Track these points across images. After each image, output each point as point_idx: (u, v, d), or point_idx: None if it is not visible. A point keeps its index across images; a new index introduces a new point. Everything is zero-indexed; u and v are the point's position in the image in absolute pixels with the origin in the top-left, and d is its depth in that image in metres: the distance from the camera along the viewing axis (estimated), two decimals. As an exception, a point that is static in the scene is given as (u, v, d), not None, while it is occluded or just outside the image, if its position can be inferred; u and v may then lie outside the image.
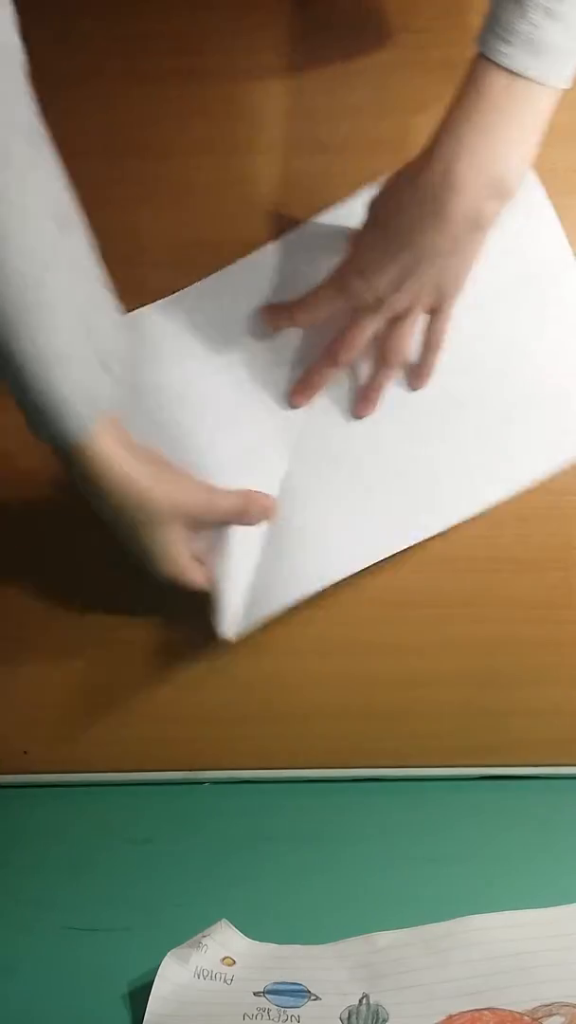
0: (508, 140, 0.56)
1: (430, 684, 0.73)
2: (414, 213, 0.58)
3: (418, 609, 0.71)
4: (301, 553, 0.69)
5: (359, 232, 0.63)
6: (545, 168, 0.68)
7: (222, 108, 0.69)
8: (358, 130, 0.68)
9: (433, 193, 0.57)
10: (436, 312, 0.65)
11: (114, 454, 0.57)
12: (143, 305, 0.69)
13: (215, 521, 0.66)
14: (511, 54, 0.54)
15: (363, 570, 0.70)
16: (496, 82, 0.55)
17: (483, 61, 0.55)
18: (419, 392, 0.69)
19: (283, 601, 0.69)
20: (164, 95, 0.69)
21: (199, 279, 0.69)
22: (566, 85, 0.55)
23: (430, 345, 0.67)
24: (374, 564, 0.69)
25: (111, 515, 0.61)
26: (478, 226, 0.58)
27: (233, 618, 0.68)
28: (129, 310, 0.69)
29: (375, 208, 0.62)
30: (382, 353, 0.67)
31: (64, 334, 0.53)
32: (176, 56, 0.68)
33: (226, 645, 0.72)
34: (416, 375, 0.68)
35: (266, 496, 0.68)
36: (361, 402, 0.69)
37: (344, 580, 0.71)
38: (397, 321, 0.64)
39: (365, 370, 0.69)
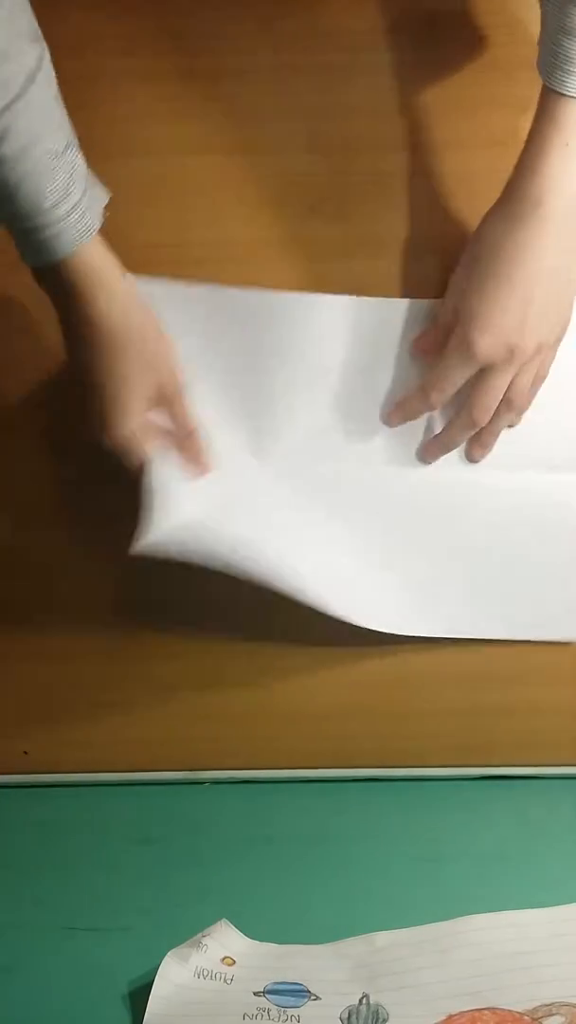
0: None
1: (430, 684, 0.73)
2: (512, 246, 0.59)
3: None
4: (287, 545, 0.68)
5: (461, 295, 0.62)
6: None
7: (221, 108, 0.69)
8: (358, 130, 0.68)
9: (528, 225, 0.58)
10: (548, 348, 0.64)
11: (114, 264, 0.59)
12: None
13: (168, 411, 0.65)
14: None
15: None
16: (571, 110, 0.56)
17: (554, 95, 0.56)
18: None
19: (222, 557, 0.65)
20: (163, 95, 0.69)
21: (199, 279, 0.69)
22: None
23: (536, 379, 0.66)
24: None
25: (94, 339, 0.60)
26: (574, 244, 0.60)
27: (152, 531, 0.64)
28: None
29: (472, 263, 0.62)
30: (507, 399, 0.65)
31: (53, 143, 0.54)
32: (175, 56, 0.68)
33: (226, 645, 0.72)
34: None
35: (204, 460, 0.67)
36: (479, 447, 0.68)
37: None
38: (524, 366, 0.63)
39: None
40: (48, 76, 0.55)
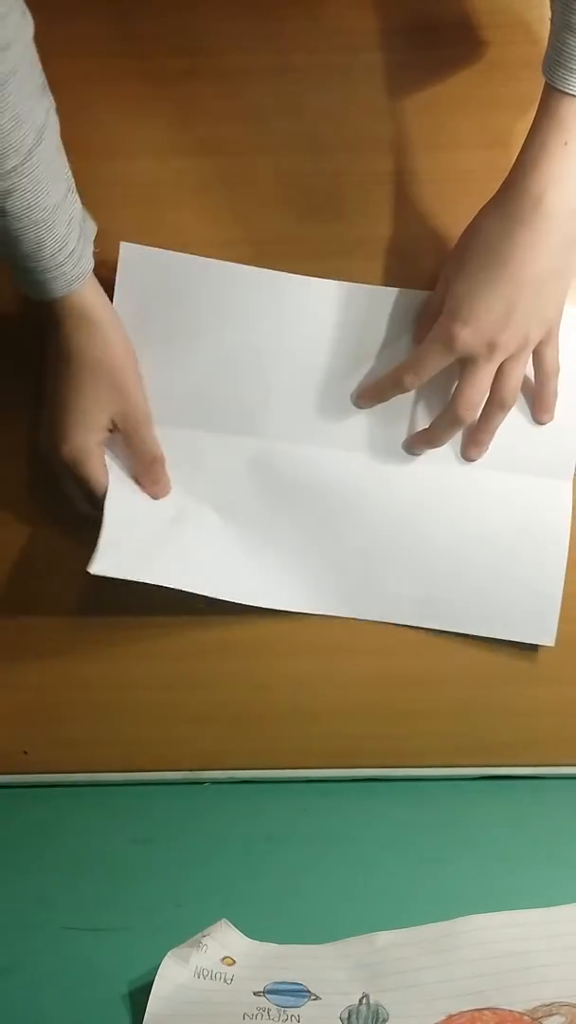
0: None
1: (430, 684, 0.73)
2: (508, 245, 0.59)
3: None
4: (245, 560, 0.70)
5: (449, 285, 0.63)
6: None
7: (222, 108, 0.69)
8: (358, 130, 0.68)
9: (526, 222, 0.58)
10: (544, 342, 0.64)
11: (101, 301, 0.62)
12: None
13: (132, 441, 0.67)
14: None
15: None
16: (573, 109, 0.56)
17: (556, 93, 0.56)
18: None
19: (179, 580, 0.67)
20: (163, 95, 0.69)
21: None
22: None
23: (547, 374, 0.66)
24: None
25: (71, 364, 0.63)
26: (571, 245, 0.60)
27: (108, 553, 0.65)
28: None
29: (464, 255, 0.62)
30: (497, 396, 0.65)
31: (55, 194, 0.56)
32: (176, 56, 0.68)
33: (227, 645, 0.72)
34: (540, 409, 0.68)
35: (165, 486, 0.69)
36: (473, 445, 0.69)
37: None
38: (509, 361, 0.63)
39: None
40: (54, 127, 0.57)
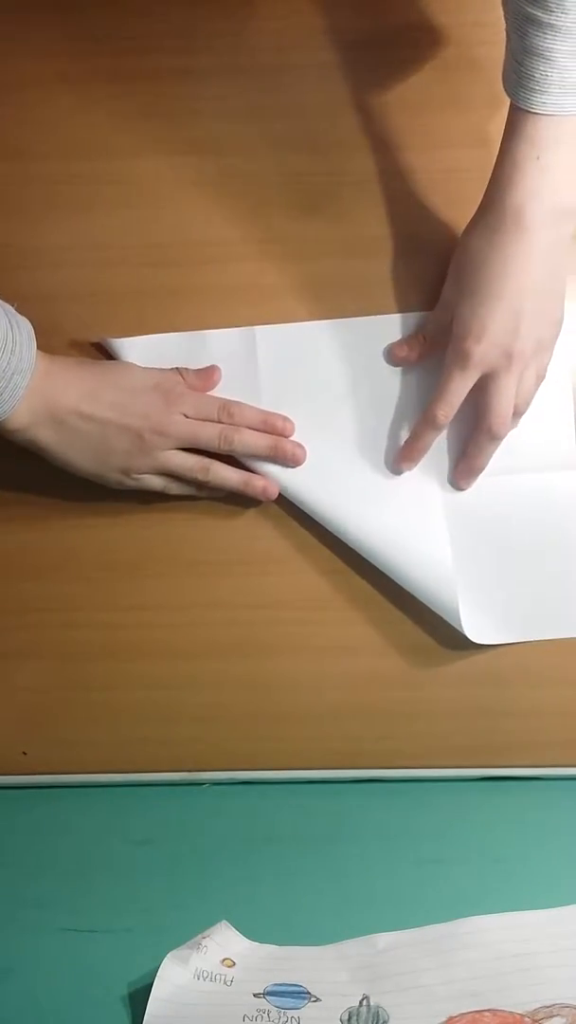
0: (568, 169, 0.58)
1: (430, 684, 0.73)
2: (500, 258, 0.60)
3: (418, 609, 0.71)
4: None
5: (452, 309, 0.63)
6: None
7: (222, 107, 0.69)
8: (358, 129, 0.68)
9: (510, 237, 0.59)
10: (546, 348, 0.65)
11: (48, 400, 0.63)
12: (139, 305, 0.69)
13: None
14: (549, 101, 0.55)
15: (361, 570, 0.70)
16: (540, 125, 0.56)
17: (521, 112, 0.56)
18: None
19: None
20: (163, 94, 0.69)
21: (198, 279, 0.69)
22: None
23: (537, 379, 0.66)
24: (365, 563, 0.70)
25: (52, 457, 0.66)
26: (560, 253, 0.60)
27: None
28: (126, 310, 0.69)
29: (460, 276, 0.62)
30: (515, 405, 0.65)
31: None
32: (175, 55, 0.68)
33: (226, 645, 0.72)
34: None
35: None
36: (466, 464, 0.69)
37: (342, 581, 0.71)
38: (526, 369, 0.64)
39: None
40: None
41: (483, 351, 0.62)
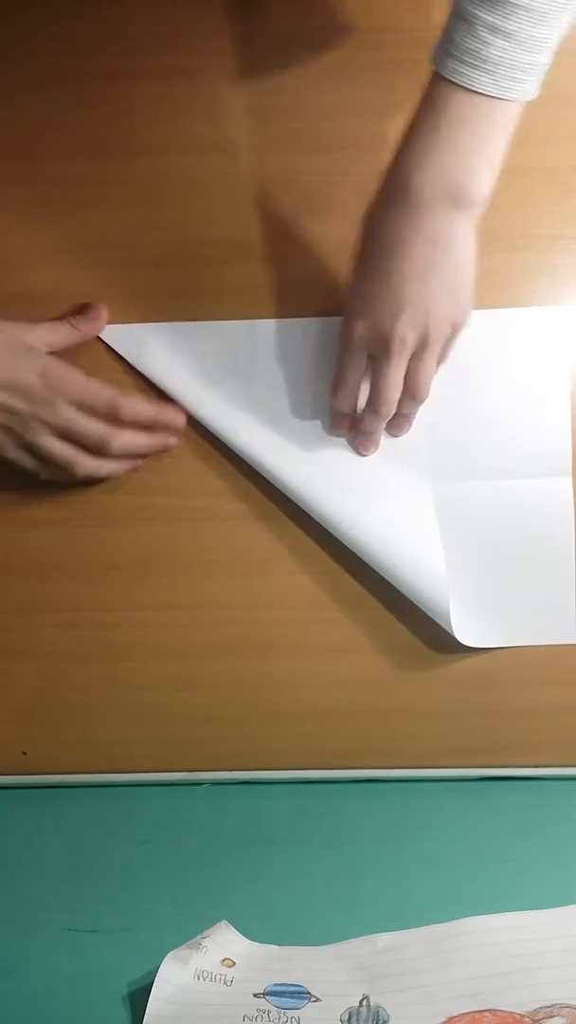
0: (467, 152, 0.55)
1: (429, 684, 0.73)
2: (387, 233, 0.58)
3: (416, 610, 0.71)
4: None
5: (351, 280, 0.62)
6: (545, 167, 0.68)
7: (220, 107, 0.69)
8: (358, 129, 0.68)
9: (399, 210, 0.57)
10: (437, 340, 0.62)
11: None
12: (139, 305, 0.69)
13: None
14: (463, 72, 0.53)
15: (360, 571, 0.71)
16: (450, 97, 0.54)
17: (438, 78, 0.55)
18: None
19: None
20: (162, 94, 0.69)
21: (198, 279, 0.69)
22: (526, 98, 0.55)
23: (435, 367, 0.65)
24: (364, 563, 0.70)
25: None
26: (451, 240, 0.57)
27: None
28: (126, 310, 0.69)
29: (359, 248, 0.61)
30: (408, 390, 0.64)
31: None
32: (174, 55, 0.68)
33: (226, 645, 0.72)
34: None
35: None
36: (393, 429, 0.69)
37: (341, 581, 0.71)
38: (414, 360, 0.62)
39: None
40: None
41: (362, 332, 0.61)
